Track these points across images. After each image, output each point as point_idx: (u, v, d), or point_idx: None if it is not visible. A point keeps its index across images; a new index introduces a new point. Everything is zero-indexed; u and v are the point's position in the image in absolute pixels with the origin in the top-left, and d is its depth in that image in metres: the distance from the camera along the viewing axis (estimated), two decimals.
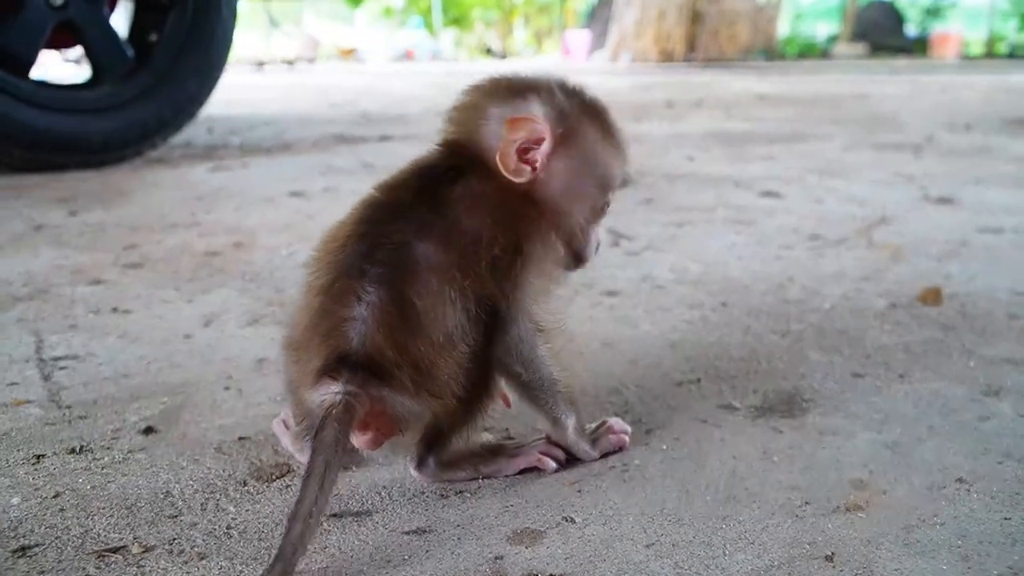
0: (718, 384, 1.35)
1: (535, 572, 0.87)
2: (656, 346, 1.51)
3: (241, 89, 8.58)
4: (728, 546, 0.92)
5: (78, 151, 3.52)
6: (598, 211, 1.09)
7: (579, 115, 1.05)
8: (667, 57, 14.55)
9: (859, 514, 0.98)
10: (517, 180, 1.00)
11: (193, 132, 4.67)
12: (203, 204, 2.82)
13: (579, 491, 1.03)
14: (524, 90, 1.04)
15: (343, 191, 3.02)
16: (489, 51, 15.78)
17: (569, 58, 16.19)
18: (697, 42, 14.68)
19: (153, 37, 3.82)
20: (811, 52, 15.74)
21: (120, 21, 3.95)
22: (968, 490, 1.03)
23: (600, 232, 1.11)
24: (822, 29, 22.04)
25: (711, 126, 4.93)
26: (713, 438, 1.17)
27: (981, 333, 1.56)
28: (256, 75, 11.11)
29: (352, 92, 8.16)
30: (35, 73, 3.56)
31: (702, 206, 2.70)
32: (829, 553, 0.90)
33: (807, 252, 2.13)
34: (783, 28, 19.22)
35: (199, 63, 3.83)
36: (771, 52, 15.35)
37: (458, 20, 25.67)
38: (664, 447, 1.14)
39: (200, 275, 1.98)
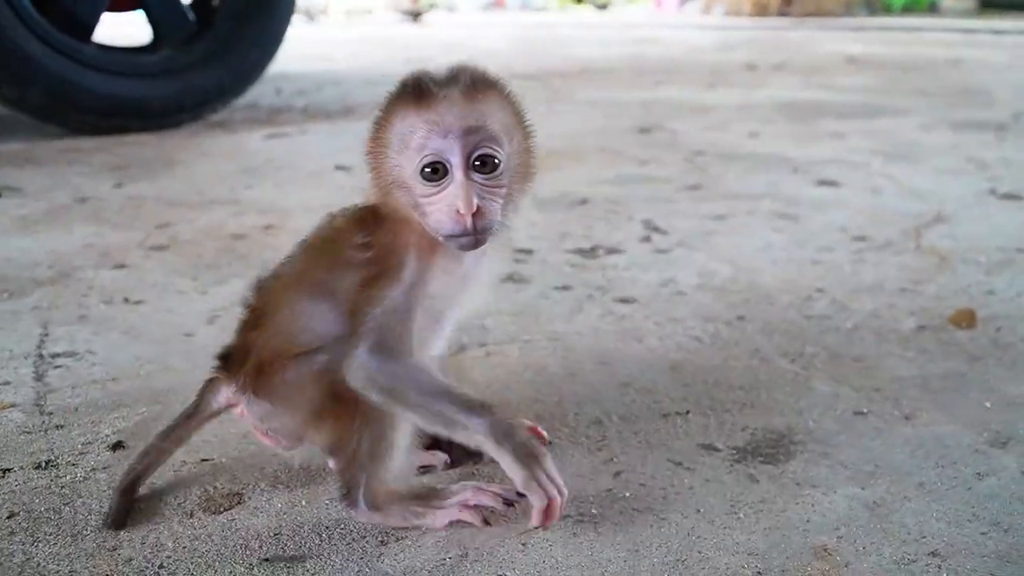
0: (707, 418, 1.30)
1: None
2: (655, 368, 1.47)
3: (320, 43, 8.63)
4: None
5: (137, 115, 3.57)
6: (418, 179, 0.95)
7: (381, 107, 1.00)
8: (761, 11, 14.06)
9: None
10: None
11: (260, 92, 4.69)
12: (246, 178, 2.84)
13: (523, 544, 1.00)
14: None
15: None
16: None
17: (660, 10, 15.80)
18: None
19: (216, 2, 3.84)
20: (918, 6, 14.99)
21: None
22: (939, 566, 0.97)
23: (458, 199, 0.93)
24: None
25: (785, 95, 4.75)
26: (683, 486, 1.12)
27: (1010, 366, 1.47)
28: (340, 29, 11.15)
29: (431, 47, 8.12)
30: (97, 36, 3.61)
31: (750, 194, 2.61)
32: None
33: (848, 256, 2.04)
34: None
35: (261, 29, 3.84)
36: (874, 6, 14.71)
37: None
38: (627, 494, 1.10)
39: (221, 262, 2.00)
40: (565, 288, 1.83)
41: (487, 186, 0.95)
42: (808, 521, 1.05)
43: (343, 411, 0.99)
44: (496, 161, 0.95)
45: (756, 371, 1.46)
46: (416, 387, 0.96)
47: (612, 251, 2.08)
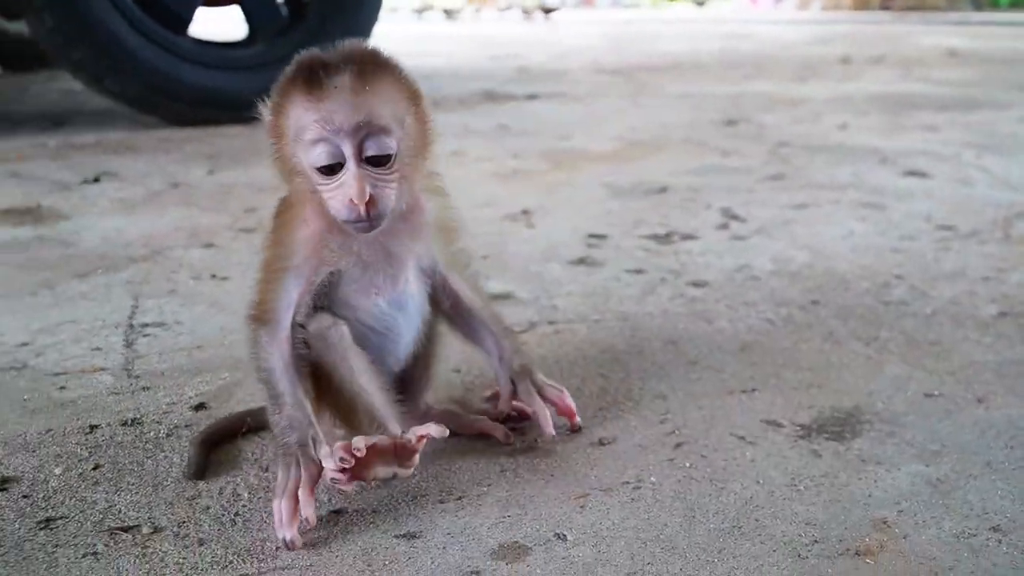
0: (773, 396, 1.31)
1: None
2: (724, 348, 1.48)
3: (413, 41, 8.76)
4: None
5: (230, 107, 3.69)
6: (314, 171, 1.00)
7: (277, 87, 1.03)
8: (862, 5, 13.79)
9: (867, 560, 0.93)
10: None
11: None
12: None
13: (582, 507, 1.03)
14: None
15: (469, 156, 3.06)
16: None
17: (755, 6, 15.59)
18: None
19: None
20: None
21: None
22: (1000, 541, 0.96)
23: (352, 190, 0.98)
24: None
25: (880, 88, 4.67)
26: (744, 459, 1.14)
27: None
28: (435, 25, 11.29)
29: (517, 44, 8.19)
30: (194, 31, 3.76)
31: (834, 184, 2.58)
32: None
33: (931, 245, 2.01)
34: None
35: (351, 22, 3.93)
36: (980, 1, 14.28)
37: None
38: (688, 464, 1.12)
39: None
40: (637, 271, 1.85)
41: (380, 176, 1.00)
42: (869, 496, 1.05)
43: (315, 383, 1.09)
44: (387, 153, 1.00)
45: (828, 354, 1.45)
46: (265, 377, 1.06)
47: (687, 237, 2.09)
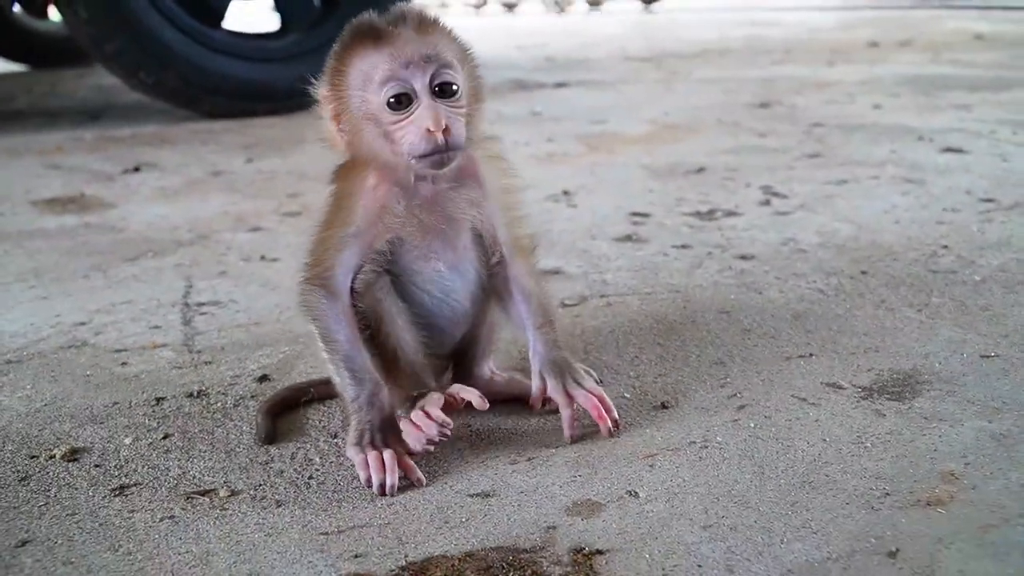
0: (831, 360, 1.31)
1: (582, 546, 0.89)
2: (777, 316, 1.48)
3: None
4: (789, 534, 0.91)
5: (265, 98, 3.72)
6: (386, 109, 1.04)
7: (335, 53, 1.08)
8: None
9: (939, 509, 0.94)
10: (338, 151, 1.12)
11: None
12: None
13: (652, 465, 1.04)
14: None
15: (504, 141, 3.06)
16: None
17: None
18: None
19: None
20: None
21: None
22: None
23: (428, 120, 1.02)
24: None
25: (910, 70, 4.64)
26: (807, 419, 1.14)
27: None
28: (459, 18, 11.29)
29: (543, 35, 8.18)
30: (227, 23, 3.78)
31: (872, 161, 2.58)
32: (893, 549, 0.87)
33: (975, 216, 2.00)
34: None
35: (384, 9, 3.95)
36: None
37: None
38: (752, 425, 1.13)
39: None
40: (684, 247, 1.85)
41: (450, 107, 1.04)
42: (935, 450, 1.06)
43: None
44: (455, 86, 1.04)
45: (881, 319, 1.46)
46: (324, 334, 1.08)
47: (730, 214, 2.09)
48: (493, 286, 1.18)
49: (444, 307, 1.15)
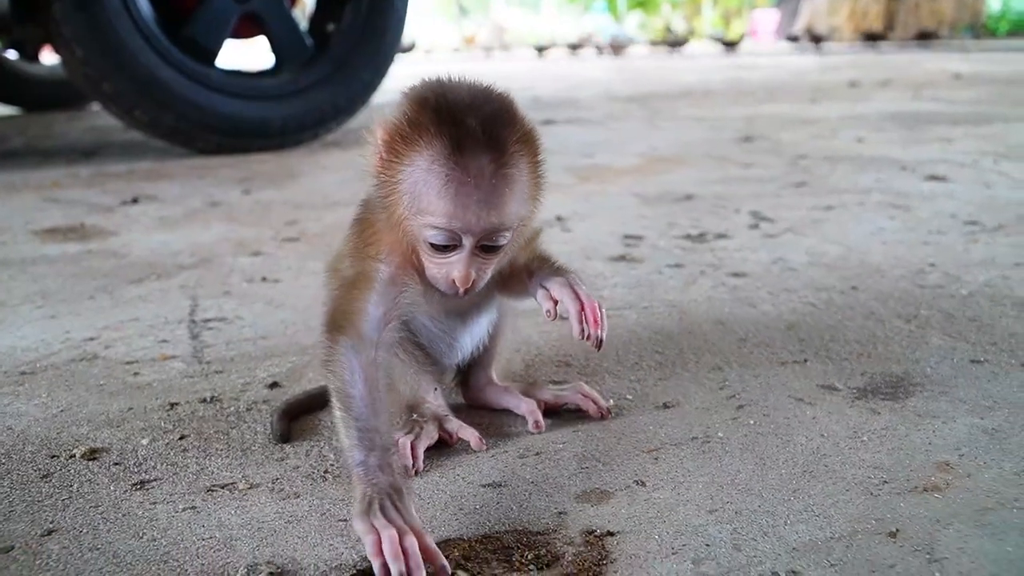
0: (825, 365, 1.36)
1: (593, 528, 0.93)
2: (771, 327, 1.53)
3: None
4: (792, 517, 0.94)
5: (260, 135, 3.79)
6: (426, 244, 0.97)
7: (409, 124, 0.95)
8: (863, 36, 13.95)
9: (936, 495, 0.98)
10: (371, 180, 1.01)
11: (369, 117, 4.90)
12: (365, 185, 2.99)
13: (656, 458, 1.08)
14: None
15: None
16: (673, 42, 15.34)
17: (756, 40, 15.75)
18: (896, 19, 14.00)
19: (331, 27, 4.05)
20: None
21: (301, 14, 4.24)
22: None
23: (458, 275, 0.98)
24: None
25: (892, 107, 4.75)
26: (805, 416, 1.18)
27: None
28: (447, 62, 11.45)
29: (530, 78, 8.31)
30: (221, 62, 3.85)
31: (858, 189, 2.64)
32: (894, 530, 0.91)
33: (959, 238, 2.06)
34: (994, 3, 18.03)
35: (373, 53, 4.03)
36: (978, 29, 14.44)
37: (643, 3, 25.46)
38: (752, 422, 1.17)
39: None
40: (678, 266, 1.90)
41: (487, 259, 0.99)
42: (930, 443, 1.10)
43: None
44: (503, 243, 0.98)
45: (872, 330, 1.50)
46: (338, 389, 0.97)
47: (721, 236, 2.15)
48: (510, 285, 1.12)
49: (440, 343, 1.17)
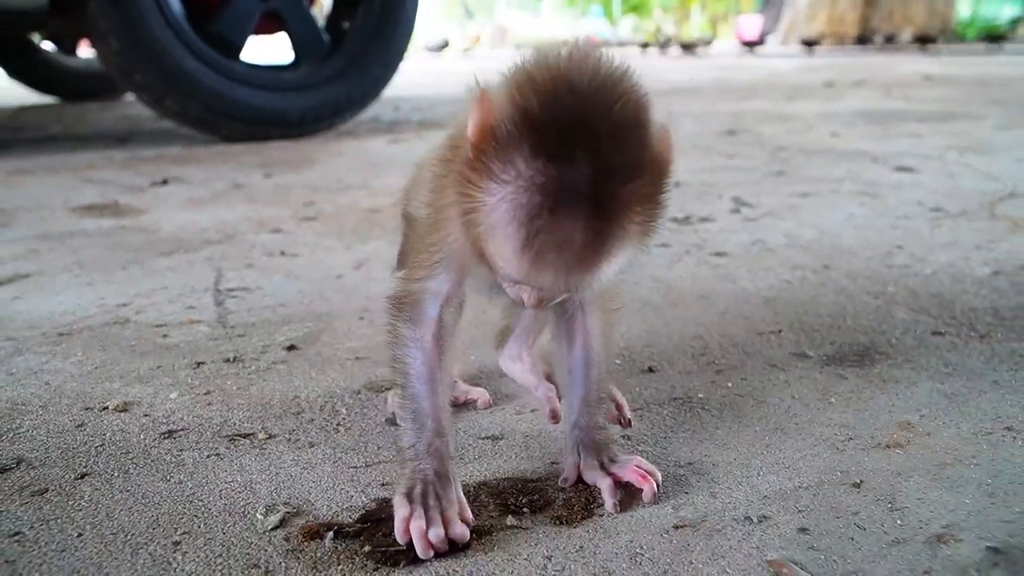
0: (798, 335, 1.36)
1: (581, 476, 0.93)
2: (749, 301, 1.53)
3: (435, 74, 8.86)
4: (764, 469, 0.95)
5: (280, 124, 3.78)
6: (496, 266, 0.76)
7: (501, 137, 0.72)
8: (839, 40, 13.90)
9: (897, 451, 0.98)
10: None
11: (380, 109, 4.91)
12: (376, 170, 2.99)
13: (640, 417, 1.08)
14: None
15: None
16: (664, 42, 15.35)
17: (741, 39, 15.69)
18: (870, 24, 13.94)
19: (346, 25, 4.04)
20: (991, 34, 14.59)
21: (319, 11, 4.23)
22: (1014, 437, 1.01)
23: (531, 297, 0.78)
24: (1008, 12, 20.42)
25: (864, 105, 4.73)
26: (778, 380, 1.19)
27: None
28: (455, 62, 11.41)
29: None
30: (245, 56, 3.84)
31: (832, 178, 2.64)
32: (858, 481, 0.92)
33: (925, 223, 2.06)
34: (964, 10, 17.96)
35: (385, 48, 4.02)
36: (948, 34, 14.38)
37: (637, 7, 25.36)
38: (729, 385, 1.17)
39: (361, 228, 2.13)
40: (663, 246, 1.90)
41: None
42: (893, 405, 1.10)
43: None
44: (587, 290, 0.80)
45: (842, 304, 1.51)
46: (396, 363, 0.89)
47: (704, 220, 2.15)
48: (559, 326, 0.96)
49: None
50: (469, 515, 0.84)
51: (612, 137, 0.71)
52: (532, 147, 0.69)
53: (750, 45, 14.05)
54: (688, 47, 14.11)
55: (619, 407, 1.04)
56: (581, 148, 0.69)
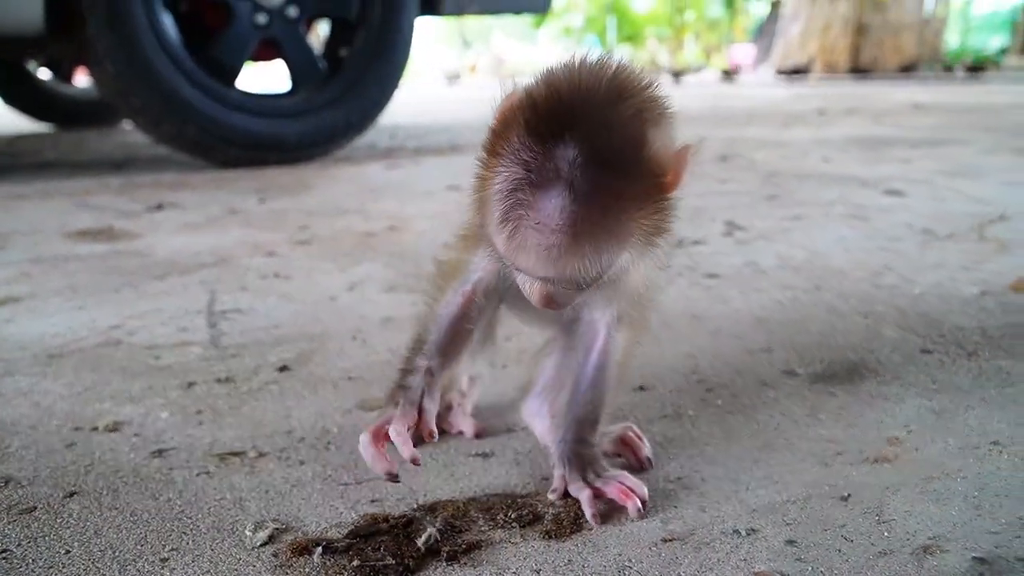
0: (788, 354, 1.37)
1: (570, 492, 0.93)
2: (741, 321, 1.54)
3: (430, 102, 8.91)
4: (753, 484, 0.95)
5: (276, 150, 3.79)
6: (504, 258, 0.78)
7: (504, 123, 0.78)
8: (831, 69, 14.03)
9: (885, 465, 0.99)
10: None
11: (376, 136, 4.93)
12: (372, 195, 3.00)
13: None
14: None
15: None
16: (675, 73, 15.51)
17: (734, 72, 15.82)
18: (861, 54, 14.07)
19: (343, 52, 4.07)
20: (981, 63, 14.72)
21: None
22: (1000, 451, 1.01)
23: (536, 291, 0.79)
24: (995, 42, 20.64)
25: (856, 132, 4.77)
26: (768, 397, 1.19)
27: None
28: (448, 88, 11.49)
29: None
30: (242, 83, 3.86)
31: (823, 202, 2.66)
32: (846, 494, 0.92)
33: (914, 245, 2.07)
34: (953, 40, 18.14)
35: (381, 75, 4.04)
36: (937, 65, 14.50)
37: (631, 37, 25.58)
38: (719, 402, 1.18)
39: (355, 251, 2.14)
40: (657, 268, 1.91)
41: (573, 291, 0.80)
42: (881, 421, 1.11)
43: None
44: (585, 285, 0.78)
45: (832, 323, 1.51)
46: (430, 316, 0.95)
47: (697, 243, 2.16)
48: (571, 335, 0.98)
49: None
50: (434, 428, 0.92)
51: (606, 128, 0.73)
52: (526, 125, 0.73)
53: (728, 74, 14.24)
54: (677, 74, 14.28)
55: (636, 449, 1.00)
56: (572, 133, 0.72)
